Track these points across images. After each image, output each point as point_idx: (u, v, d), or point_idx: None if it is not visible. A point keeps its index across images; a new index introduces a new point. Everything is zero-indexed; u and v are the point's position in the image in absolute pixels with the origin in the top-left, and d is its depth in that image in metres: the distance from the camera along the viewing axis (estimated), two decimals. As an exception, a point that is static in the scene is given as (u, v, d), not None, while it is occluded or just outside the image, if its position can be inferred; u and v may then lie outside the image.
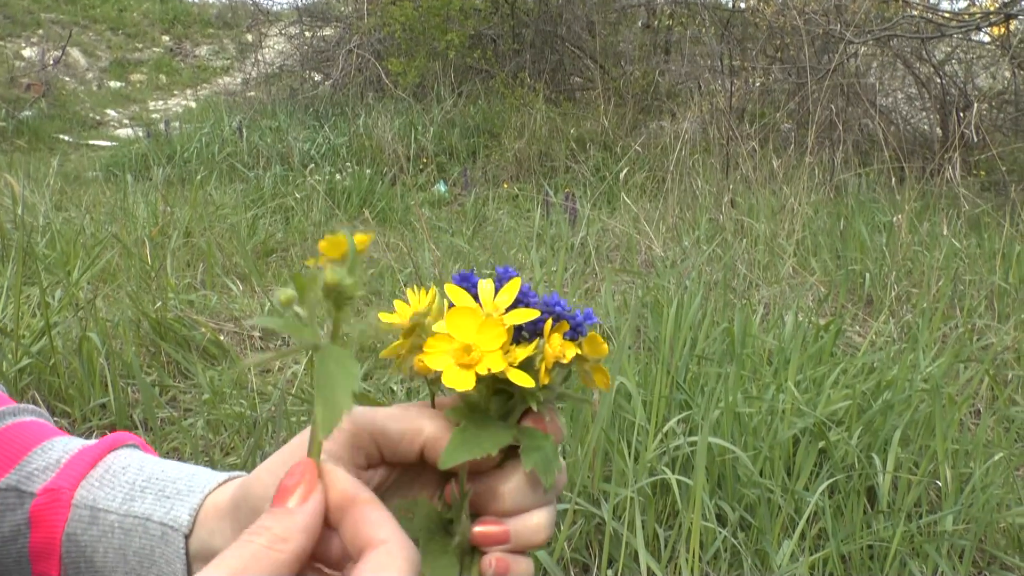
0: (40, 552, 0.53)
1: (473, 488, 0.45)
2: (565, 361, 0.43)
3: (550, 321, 0.43)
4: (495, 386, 0.44)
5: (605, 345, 0.44)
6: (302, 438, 0.45)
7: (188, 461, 1.56)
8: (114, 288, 2.33)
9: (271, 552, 0.37)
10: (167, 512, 0.51)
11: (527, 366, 0.43)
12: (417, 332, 0.44)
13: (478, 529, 0.45)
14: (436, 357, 0.41)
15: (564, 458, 1.34)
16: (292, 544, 0.37)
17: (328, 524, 0.40)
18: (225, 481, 0.52)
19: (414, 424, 0.44)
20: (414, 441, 0.45)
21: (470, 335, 0.41)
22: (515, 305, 0.43)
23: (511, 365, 0.41)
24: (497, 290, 0.44)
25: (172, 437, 1.71)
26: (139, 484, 0.54)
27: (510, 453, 0.45)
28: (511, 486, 0.45)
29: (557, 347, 0.43)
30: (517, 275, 0.44)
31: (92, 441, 0.56)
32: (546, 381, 0.43)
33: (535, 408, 0.44)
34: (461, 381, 0.40)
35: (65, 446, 0.57)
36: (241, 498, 0.47)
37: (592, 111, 5.63)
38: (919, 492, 1.35)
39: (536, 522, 0.45)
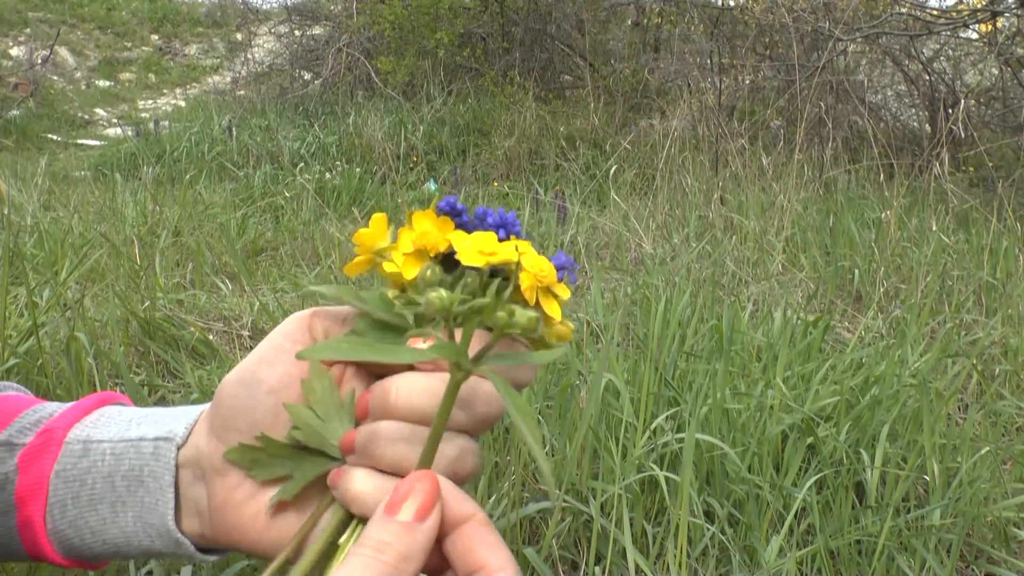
0: (28, 494, 0.52)
1: (374, 388, 0.44)
2: (542, 284, 0.40)
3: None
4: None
5: (568, 291, 0.42)
6: (269, 336, 0.47)
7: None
8: (102, 288, 2.32)
9: (397, 572, 0.37)
10: (162, 429, 0.52)
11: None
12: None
13: (341, 440, 0.44)
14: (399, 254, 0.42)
15: (552, 455, 1.34)
16: (414, 564, 0.38)
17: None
18: None
19: (347, 322, 0.46)
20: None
21: (430, 227, 0.42)
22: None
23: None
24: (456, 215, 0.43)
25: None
26: (136, 419, 0.54)
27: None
28: (403, 382, 0.43)
29: (536, 270, 0.40)
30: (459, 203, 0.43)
31: (83, 398, 0.57)
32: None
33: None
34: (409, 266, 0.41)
35: (58, 405, 0.57)
36: (217, 390, 0.49)
37: (582, 109, 5.63)
38: (907, 487, 1.36)
39: (383, 428, 0.42)
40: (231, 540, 0.50)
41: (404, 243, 0.41)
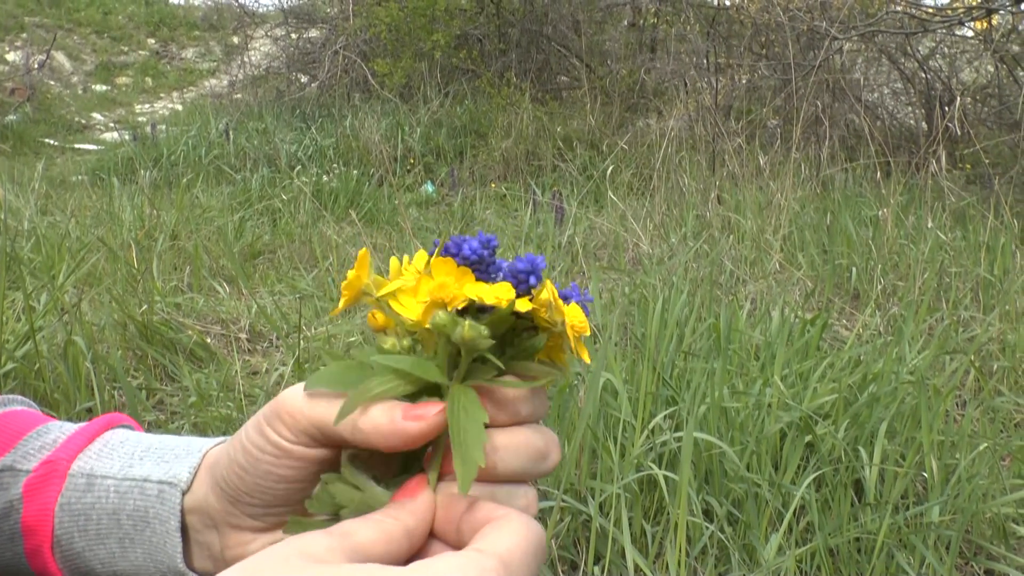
0: (33, 525, 0.52)
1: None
2: (560, 318, 0.42)
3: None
4: (451, 348, 0.42)
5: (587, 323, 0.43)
6: (261, 416, 0.46)
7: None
8: (100, 292, 2.32)
9: (384, 521, 0.40)
10: (166, 472, 0.52)
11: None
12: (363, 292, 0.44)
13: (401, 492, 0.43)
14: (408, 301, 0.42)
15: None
16: (404, 522, 0.40)
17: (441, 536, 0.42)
18: (221, 441, 0.53)
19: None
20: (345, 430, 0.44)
21: (445, 279, 0.41)
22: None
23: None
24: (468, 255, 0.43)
25: (159, 440, 1.70)
26: (138, 453, 0.54)
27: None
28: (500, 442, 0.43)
29: (575, 322, 0.41)
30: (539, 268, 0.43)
31: (87, 423, 0.56)
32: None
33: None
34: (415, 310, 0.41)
35: (61, 428, 0.56)
36: (222, 453, 0.48)
37: (579, 110, 5.63)
38: (905, 484, 1.36)
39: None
40: None
41: (422, 292, 0.41)
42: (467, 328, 0.39)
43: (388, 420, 0.42)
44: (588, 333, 0.42)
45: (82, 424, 0.57)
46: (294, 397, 0.44)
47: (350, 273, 0.43)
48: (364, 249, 0.43)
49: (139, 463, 0.53)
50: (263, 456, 0.46)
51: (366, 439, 0.43)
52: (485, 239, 0.42)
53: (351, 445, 0.44)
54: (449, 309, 0.40)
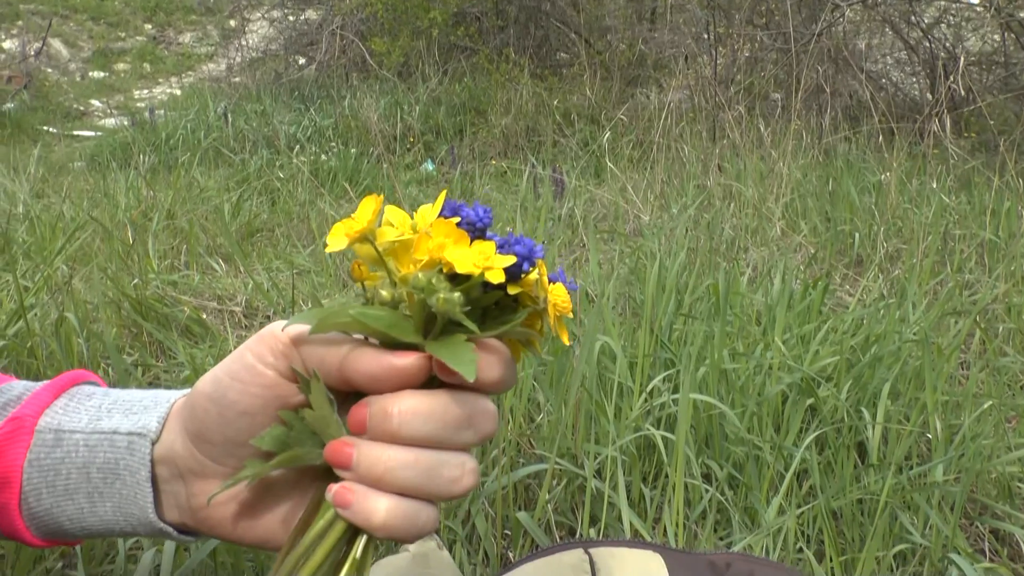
0: (0, 482, 0.51)
1: (371, 408, 0.44)
2: (543, 294, 0.43)
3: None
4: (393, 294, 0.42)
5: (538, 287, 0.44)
6: (241, 347, 0.46)
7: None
8: (93, 269, 2.30)
9: None
10: (135, 423, 0.51)
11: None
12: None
13: (327, 447, 0.44)
14: (334, 235, 0.43)
15: (547, 419, 1.31)
16: None
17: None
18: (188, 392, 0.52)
19: (334, 343, 0.43)
20: (333, 361, 0.44)
21: (443, 240, 0.41)
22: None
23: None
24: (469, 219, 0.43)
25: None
26: (105, 407, 0.53)
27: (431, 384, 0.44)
28: (405, 406, 0.43)
29: (470, 257, 0.41)
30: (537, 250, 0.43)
31: (51, 379, 0.56)
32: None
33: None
34: (335, 242, 0.42)
35: (25, 385, 0.56)
36: (190, 395, 0.48)
37: (578, 85, 5.59)
38: (909, 444, 1.33)
39: (388, 456, 0.42)
40: (214, 533, 0.51)
41: (420, 251, 0.41)
42: (442, 299, 0.40)
43: (376, 355, 0.42)
44: (571, 314, 0.43)
45: (46, 381, 0.56)
46: (280, 324, 0.45)
47: (359, 215, 0.42)
48: (373, 196, 0.42)
49: (107, 416, 0.52)
50: (232, 383, 0.45)
51: (353, 373, 0.43)
52: (487, 209, 0.42)
53: (333, 383, 0.44)
54: (445, 271, 0.40)
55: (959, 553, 1.15)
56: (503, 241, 0.41)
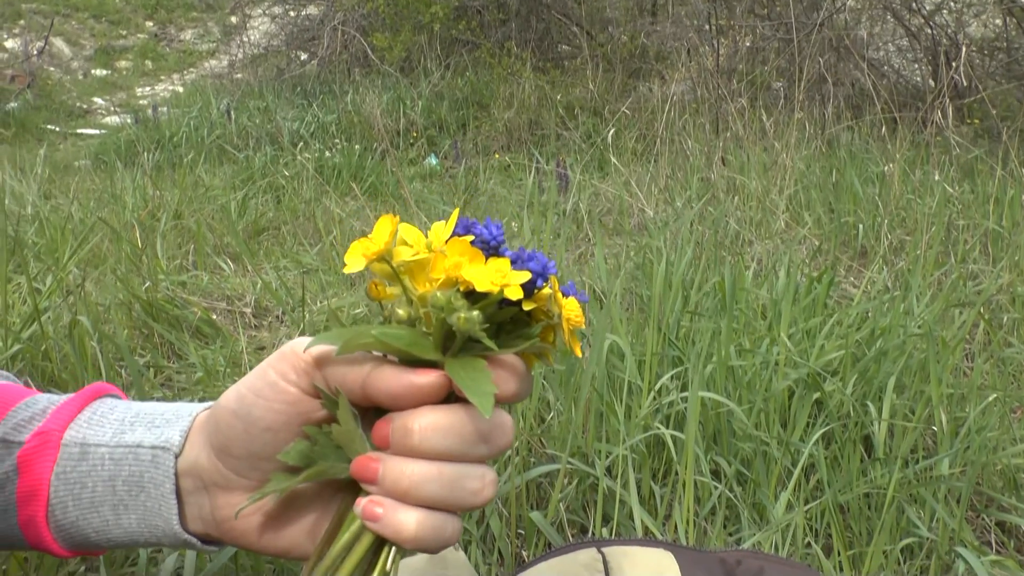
0: (28, 495, 0.53)
1: (394, 424, 0.45)
2: (557, 310, 0.44)
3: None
4: (446, 326, 0.43)
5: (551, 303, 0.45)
6: (263, 363, 0.48)
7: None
8: (104, 272, 2.32)
9: None
10: (158, 437, 0.52)
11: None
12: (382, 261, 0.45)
13: (354, 463, 0.46)
14: (352, 253, 0.44)
15: (558, 419, 1.33)
16: None
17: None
18: (210, 405, 0.54)
19: (356, 362, 0.45)
20: (356, 380, 0.45)
21: (458, 259, 0.43)
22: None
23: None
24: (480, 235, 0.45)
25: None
26: (128, 420, 0.54)
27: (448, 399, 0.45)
28: (425, 422, 0.44)
29: (486, 275, 0.42)
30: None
31: (74, 393, 0.57)
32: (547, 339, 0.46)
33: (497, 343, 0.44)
34: (352, 263, 0.43)
35: (49, 399, 0.57)
36: (213, 408, 0.50)
37: (580, 78, 5.59)
38: (915, 438, 1.35)
39: (412, 470, 0.44)
40: (239, 543, 0.52)
41: (437, 270, 0.43)
42: (462, 319, 0.41)
43: (397, 374, 0.44)
44: (583, 326, 0.45)
45: (69, 395, 0.57)
46: (301, 342, 0.47)
47: (376, 235, 0.43)
48: (389, 216, 0.44)
49: (131, 429, 0.54)
50: (257, 400, 0.47)
51: (376, 392, 0.44)
52: (499, 225, 0.43)
53: (355, 400, 0.45)
54: (462, 289, 0.42)
55: (966, 546, 1.17)
56: (516, 256, 0.43)
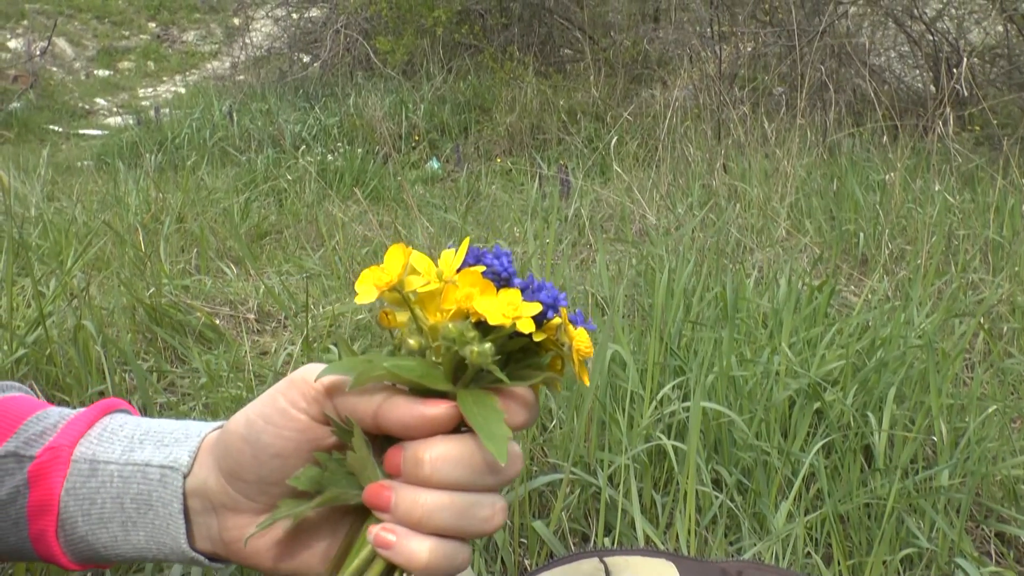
0: (39, 509, 0.54)
1: (405, 454, 0.46)
2: (567, 340, 0.44)
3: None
4: (457, 356, 0.43)
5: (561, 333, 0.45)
6: (273, 388, 0.48)
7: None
8: (108, 276, 2.33)
9: None
10: (167, 456, 0.53)
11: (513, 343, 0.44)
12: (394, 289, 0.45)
13: (366, 490, 0.46)
14: (363, 282, 0.44)
15: (560, 428, 1.34)
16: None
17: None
18: (217, 427, 0.55)
19: (367, 392, 0.45)
20: (367, 410, 0.46)
21: (470, 290, 0.43)
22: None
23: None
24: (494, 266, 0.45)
25: (171, 422, 1.71)
26: (138, 437, 0.55)
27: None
28: (435, 453, 0.45)
29: (498, 307, 0.43)
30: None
31: (85, 408, 0.58)
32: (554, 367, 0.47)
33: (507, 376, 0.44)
34: (364, 294, 0.44)
35: (60, 413, 0.58)
36: (222, 432, 0.50)
37: (583, 82, 5.60)
38: (915, 448, 1.35)
39: (424, 500, 0.44)
40: (248, 563, 0.53)
41: (448, 301, 0.43)
42: (475, 353, 0.41)
43: (409, 405, 0.44)
44: (592, 356, 0.45)
45: (80, 410, 0.58)
46: (311, 369, 0.47)
47: (388, 265, 0.44)
48: (401, 246, 0.44)
49: (139, 447, 0.54)
50: (266, 427, 0.47)
51: (387, 422, 0.45)
52: (508, 254, 0.44)
53: (365, 428, 0.46)
54: (473, 320, 0.42)
55: (965, 557, 1.18)
56: (525, 286, 0.43)
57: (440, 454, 0.44)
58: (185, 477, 0.52)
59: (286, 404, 0.47)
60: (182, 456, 0.52)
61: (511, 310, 0.42)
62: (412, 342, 0.45)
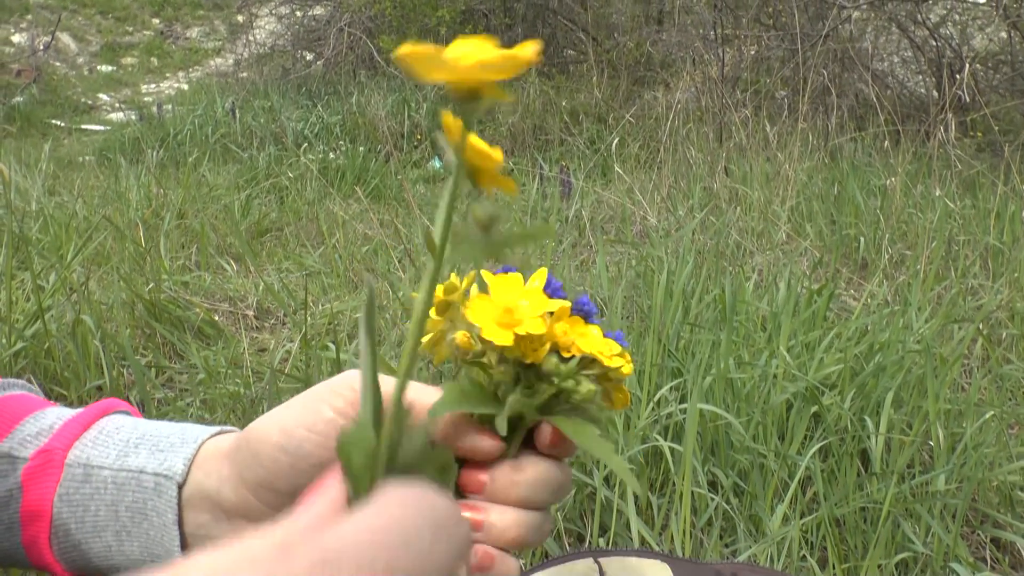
0: (31, 515, 0.52)
1: (490, 478, 0.45)
2: (606, 363, 0.44)
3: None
4: (515, 372, 0.43)
5: (630, 365, 0.45)
6: (310, 395, 0.47)
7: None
8: (107, 271, 2.33)
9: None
10: (161, 463, 0.51)
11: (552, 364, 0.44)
12: (451, 311, 0.45)
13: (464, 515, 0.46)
14: (477, 314, 0.42)
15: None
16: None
17: None
18: (217, 433, 0.53)
19: (414, 394, 0.44)
20: (413, 409, 0.45)
21: (513, 299, 0.42)
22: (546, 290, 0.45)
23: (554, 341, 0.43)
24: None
25: (168, 418, 1.72)
26: (133, 441, 0.54)
27: (524, 448, 0.46)
28: (527, 476, 0.45)
29: (597, 346, 0.43)
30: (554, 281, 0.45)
31: (83, 408, 0.56)
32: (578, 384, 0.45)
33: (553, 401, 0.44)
34: (500, 336, 0.41)
35: (58, 414, 0.56)
36: (243, 440, 0.48)
37: (585, 83, 5.60)
38: (911, 453, 1.36)
39: (517, 518, 0.45)
40: None
41: (550, 335, 0.44)
42: (586, 391, 0.43)
43: (478, 437, 0.44)
44: (626, 366, 0.45)
45: (78, 410, 0.57)
46: (352, 376, 0.46)
47: (500, 298, 0.44)
48: (455, 280, 0.44)
49: (134, 452, 0.53)
50: (309, 435, 0.46)
51: (457, 446, 0.44)
52: (586, 298, 0.45)
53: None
54: (568, 355, 0.43)
55: (960, 562, 1.18)
56: (600, 324, 0.45)
57: (541, 474, 0.45)
58: (180, 486, 0.51)
59: (333, 414, 0.45)
60: (176, 464, 0.51)
61: (607, 349, 0.43)
62: (499, 371, 0.44)
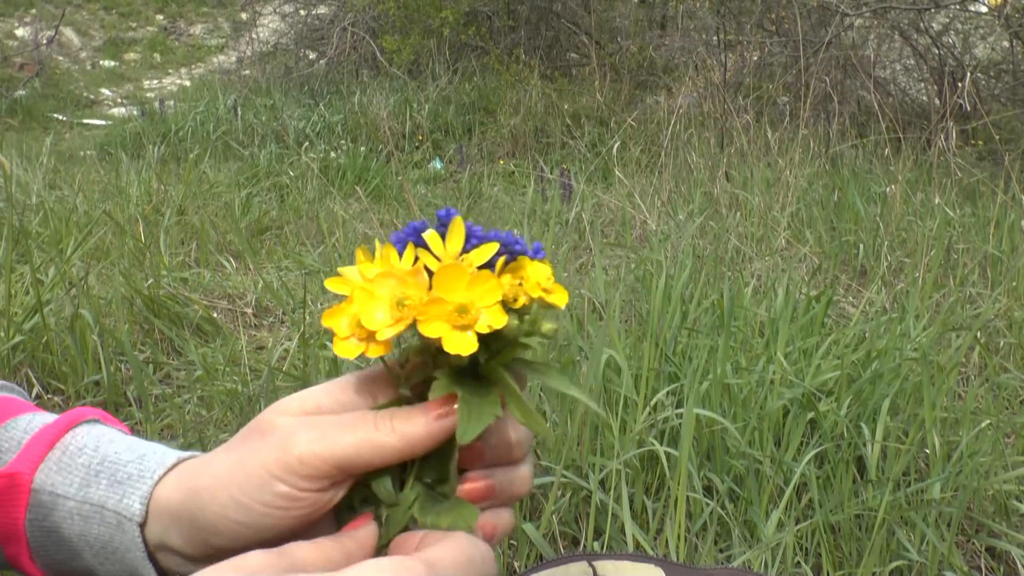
0: (7, 536, 0.52)
1: (485, 442, 0.45)
2: (546, 298, 0.41)
3: (503, 258, 0.42)
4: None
5: (564, 292, 0.43)
6: (256, 462, 0.45)
7: (181, 438, 1.57)
8: (107, 266, 2.33)
9: (324, 543, 0.43)
10: (119, 500, 0.51)
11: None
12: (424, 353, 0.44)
13: (466, 486, 0.46)
14: (431, 325, 0.38)
15: (553, 431, 1.34)
16: (345, 546, 0.43)
17: None
18: (173, 465, 0.51)
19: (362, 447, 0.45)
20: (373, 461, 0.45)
21: (462, 294, 0.39)
22: (466, 246, 0.42)
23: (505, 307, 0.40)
24: (442, 235, 0.42)
25: (166, 414, 1.72)
26: (94, 468, 0.53)
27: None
28: (518, 436, 0.47)
29: (536, 282, 0.41)
30: (457, 213, 0.43)
31: (54, 417, 0.55)
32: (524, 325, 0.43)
33: (525, 356, 0.43)
34: (464, 346, 0.38)
35: (28, 424, 0.55)
36: (197, 507, 0.46)
37: (588, 87, 5.60)
38: (907, 461, 1.36)
39: (524, 472, 0.47)
40: None
41: (434, 319, 0.41)
42: (547, 330, 0.42)
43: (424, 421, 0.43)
44: (561, 296, 0.42)
45: (48, 421, 0.56)
46: (307, 444, 0.43)
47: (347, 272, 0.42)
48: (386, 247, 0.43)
49: (95, 481, 0.52)
50: (270, 511, 0.44)
51: (411, 446, 0.43)
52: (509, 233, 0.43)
53: (374, 467, 0.44)
54: (516, 305, 0.40)
55: (955, 571, 1.18)
56: (483, 236, 0.42)
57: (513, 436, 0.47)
58: (141, 526, 0.50)
59: (293, 491, 0.44)
60: (133, 504, 0.50)
61: (545, 282, 0.41)
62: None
